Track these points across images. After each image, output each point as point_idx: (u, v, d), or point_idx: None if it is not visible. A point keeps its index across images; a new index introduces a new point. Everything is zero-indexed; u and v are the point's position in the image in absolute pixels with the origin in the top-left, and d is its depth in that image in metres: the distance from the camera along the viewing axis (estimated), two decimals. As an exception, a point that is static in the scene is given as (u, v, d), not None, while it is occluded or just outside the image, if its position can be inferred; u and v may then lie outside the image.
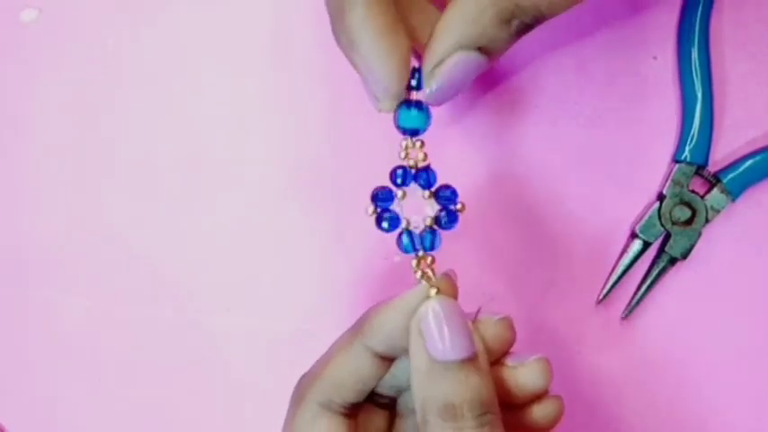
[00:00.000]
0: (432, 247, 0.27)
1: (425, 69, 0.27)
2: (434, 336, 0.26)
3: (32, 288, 0.36)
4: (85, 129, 0.36)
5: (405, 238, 0.27)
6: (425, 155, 0.28)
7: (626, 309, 0.34)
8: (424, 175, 0.28)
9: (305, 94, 0.35)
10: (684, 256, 0.34)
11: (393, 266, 0.34)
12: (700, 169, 0.34)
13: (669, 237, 0.34)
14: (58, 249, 0.36)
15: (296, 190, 0.35)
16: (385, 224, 0.27)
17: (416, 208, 0.28)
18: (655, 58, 0.35)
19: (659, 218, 0.34)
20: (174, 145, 0.36)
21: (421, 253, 0.27)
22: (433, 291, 0.27)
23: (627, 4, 0.35)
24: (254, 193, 0.35)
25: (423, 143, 0.28)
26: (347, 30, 0.27)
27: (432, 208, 0.27)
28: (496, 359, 0.28)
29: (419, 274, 0.27)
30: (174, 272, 0.35)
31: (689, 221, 0.34)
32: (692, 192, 0.34)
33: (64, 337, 0.36)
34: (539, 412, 0.28)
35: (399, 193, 0.27)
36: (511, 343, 0.28)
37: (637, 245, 0.34)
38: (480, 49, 0.26)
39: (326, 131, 0.35)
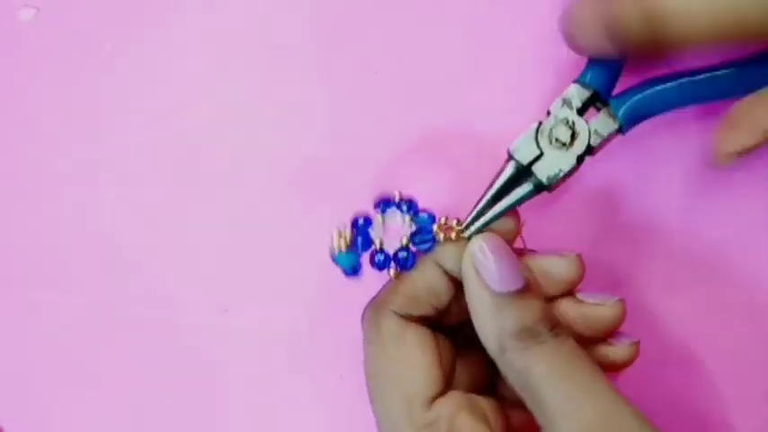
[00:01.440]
0: (405, 265, 0.29)
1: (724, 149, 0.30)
2: (492, 269, 0.28)
3: (30, 288, 0.36)
4: (84, 128, 0.36)
5: (380, 256, 0.29)
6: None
7: (465, 226, 0.30)
8: (406, 203, 0.29)
9: (304, 94, 0.35)
10: (551, 183, 0.30)
11: (393, 267, 0.34)
12: (596, 96, 0.30)
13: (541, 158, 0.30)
14: (56, 249, 0.36)
15: (294, 190, 0.35)
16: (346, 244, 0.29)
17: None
18: None
19: (536, 137, 0.30)
20: (172, 145, 0.36)
21: (443, 220, 0.29)
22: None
23: None
24: (252, 194, 0.35)
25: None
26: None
27: (408, 228, 0.29)
28: (562, 293, 0.30)
29: (453, 234, 0.29)
30: (172, 273, 0.35)
31: (568, 144, 0.30)
32: (580, 115, 0.30)
33: (61, 338, 0.36)
34: (611, 353, 0.30)
35: (379, 218, 0.29)
36: (577, 276, 0.30)
37: (510, 167, 0.30)
38: None
39: (324, 131, 0.35)
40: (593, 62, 0.30)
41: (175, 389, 0.35)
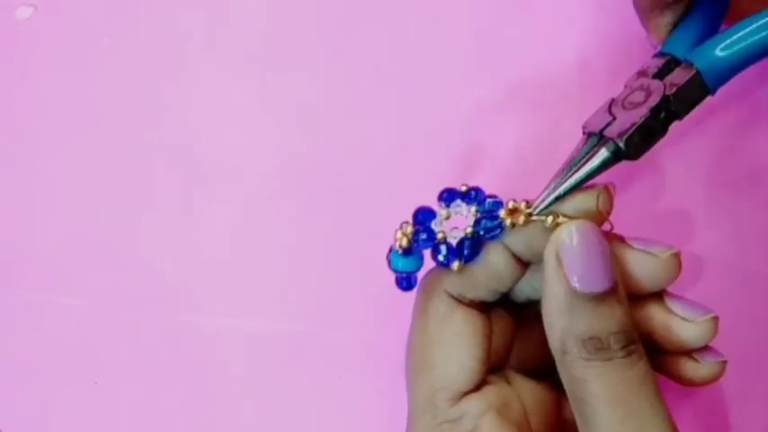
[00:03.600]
0: (470, 257, 0.26)
1: None
2: (576, 265, 0.24)
3: (29, 290, 0.36)
4: (82, 128, 0.36)
5: (443, 248, 0.26)
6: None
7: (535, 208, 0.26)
8: (473, 192, 0.27)
9: (304, 93, 0.35)
10: (627, 144, 0.25)
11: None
12: (675, 61, 0.27)
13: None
14: (55, 251, 0.36)
15: (294, 190, 0.35)
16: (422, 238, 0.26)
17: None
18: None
19: (610, 107, 0.27)
20: (171, 145, 0.35)
21: (510, 203, 0.26)
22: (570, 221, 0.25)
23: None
24: (251, 194, 0.35)
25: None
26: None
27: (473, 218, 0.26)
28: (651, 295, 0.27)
29: (550, 219, 0.25)
30: (172, 274, 0.35)
31: (642, 103, 0.26)
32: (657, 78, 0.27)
33: (60, 340, 0.35)
34: (693, 371, 0.27)
35: (443, 212, 0.26)
36: (670, 282, 0.27)
37: (585, 144, 0.27)
38: None
39: (324, 130, 0.35)
40: (674, 34, 0.28)
41: (175, 390, 0.35)
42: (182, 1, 0.36)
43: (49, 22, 0.36)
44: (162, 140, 0.35)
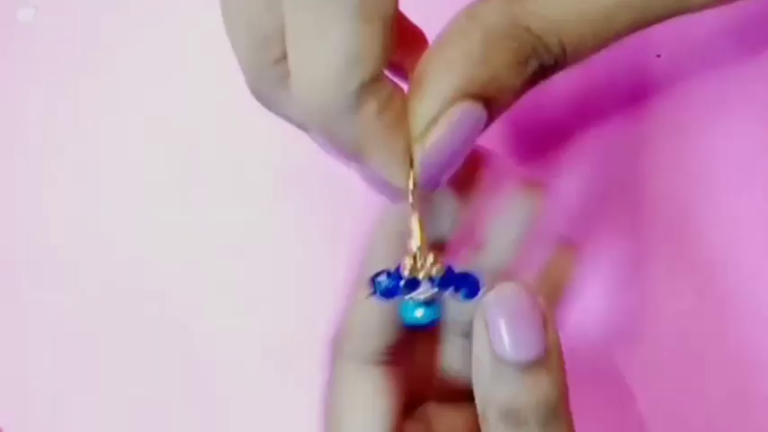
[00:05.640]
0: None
1: (416, 127, 0.21)
2: (499, 332, 0.22)
3: (28, 288, 0.36)
4: (82, 128, 0.36)
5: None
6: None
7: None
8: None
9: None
10: None
11: (392, 267, 0.34)
12: None
13: None
14: (54, 249, 0.36)
15: (292, 190, 0.35)
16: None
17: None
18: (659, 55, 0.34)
19: None
20: (170, 145, 0.36)
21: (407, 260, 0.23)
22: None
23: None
24: (249, 194, 0.35)
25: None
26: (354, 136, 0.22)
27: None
28: None
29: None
30: (171, 274, 0.35)
31: None
32: None
33: (60, 338, 0.36)
34: None
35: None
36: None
37: None
38: (485, 100, 0.21)
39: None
40: None
41: (172, 391, 0.35)
42: (181, 1, 0.36)
43: (51, 24, 0.36)
44: (161, 140, 0.36)
